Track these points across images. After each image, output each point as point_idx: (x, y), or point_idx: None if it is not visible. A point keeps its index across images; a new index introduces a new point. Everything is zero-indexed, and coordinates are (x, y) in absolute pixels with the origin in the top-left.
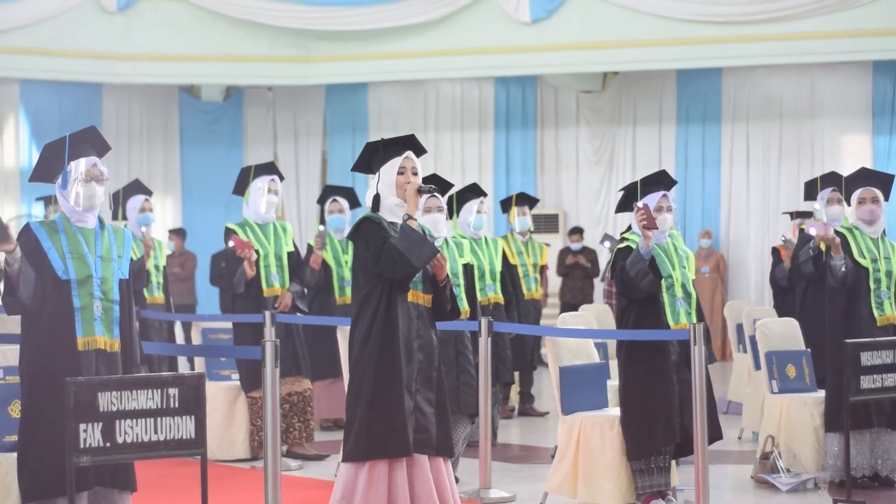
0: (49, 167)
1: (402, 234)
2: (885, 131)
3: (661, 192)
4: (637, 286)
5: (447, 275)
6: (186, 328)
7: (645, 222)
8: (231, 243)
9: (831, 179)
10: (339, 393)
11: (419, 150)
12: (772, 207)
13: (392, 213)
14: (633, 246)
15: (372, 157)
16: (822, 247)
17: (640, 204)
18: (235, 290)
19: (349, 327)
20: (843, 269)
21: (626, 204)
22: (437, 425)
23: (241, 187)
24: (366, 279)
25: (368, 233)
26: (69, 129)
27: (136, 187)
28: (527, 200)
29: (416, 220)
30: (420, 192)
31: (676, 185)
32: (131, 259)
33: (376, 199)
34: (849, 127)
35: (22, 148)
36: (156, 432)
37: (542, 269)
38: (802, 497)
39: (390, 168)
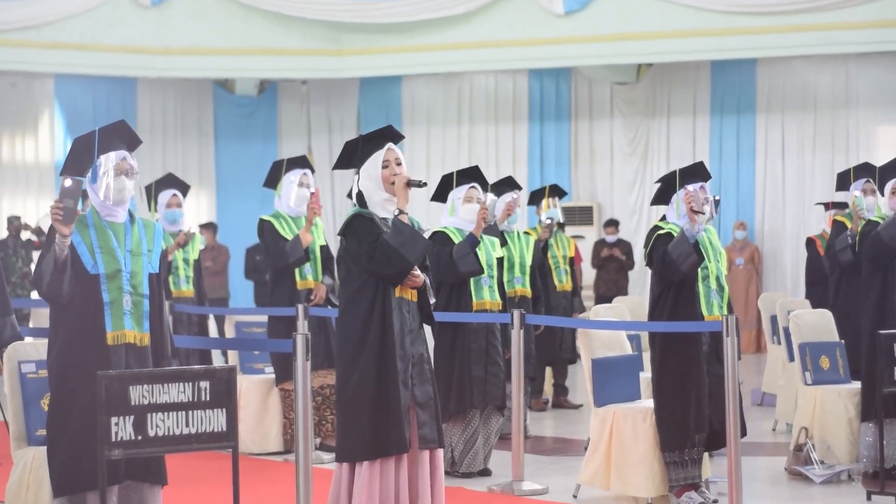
0: (79, 161)
1: (395, 229)
2: None
3: (700, 184)
4: (678, 268)
5: (424, 280)
6: (220, 322)
7: (694, 205)
8: (313, 189)
9: (865, 170)
10: None
11: (397, 139)
12: (807, 198)
13: (382, 208)
14: (673, 232)
15: (352, 155)
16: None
17: (690, 188)
18: (289, 259)
19: None
20: None
21: (663, 196)
22: (434, 418)
23: (272, 180)
24: (358, 273)
25: (360, 229)
26: (104, 123)
27: (169, 181)
28: (557, 192)
29: (406, 214)
30: (410, 185)
31: (711, 177)
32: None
33: (360, 195)
34: (884, 117)
35: (57, 143)
36: (187, 425)
37: (571, 261)
38: (836, 489)
39: (373, 163)
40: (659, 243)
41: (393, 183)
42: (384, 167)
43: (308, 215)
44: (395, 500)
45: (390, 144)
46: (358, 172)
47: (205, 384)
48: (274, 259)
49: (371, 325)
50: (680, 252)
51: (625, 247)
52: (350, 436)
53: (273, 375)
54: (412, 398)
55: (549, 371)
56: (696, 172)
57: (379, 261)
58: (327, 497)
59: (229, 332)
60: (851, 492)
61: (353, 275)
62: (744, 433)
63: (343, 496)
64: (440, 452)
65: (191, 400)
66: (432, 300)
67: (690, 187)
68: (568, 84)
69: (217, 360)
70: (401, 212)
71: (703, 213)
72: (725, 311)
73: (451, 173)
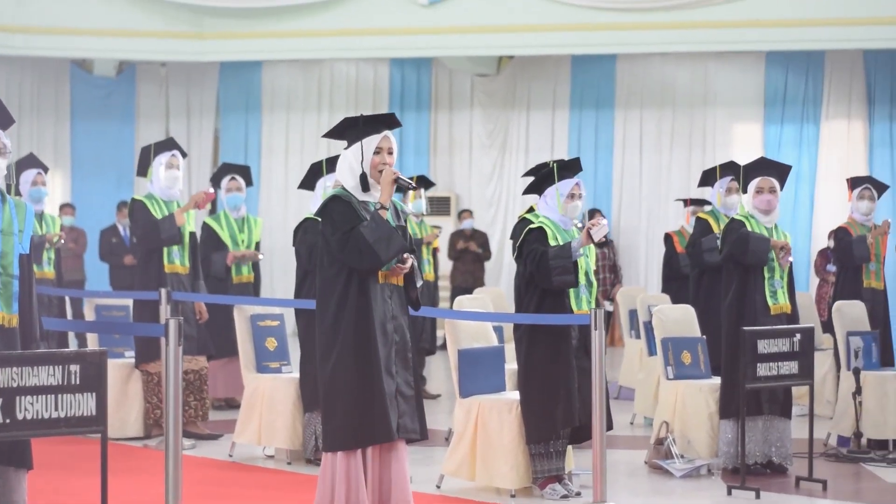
0: None
1: (374, 224)
2: (776, 121)
3: (575, 180)
4: (551, 280)
5: (412, 265)
6: (75, 305)
7: (593, 232)
8: (210, 190)
9: (730, 168)
10: (235, 372)
11: (395, 127)
12: (663, 194)
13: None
14: (546, 227)
15: (348, 131)
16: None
17: (603, 221)
18: (161, 235)
19: (238, 307)
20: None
21: (538, 187)
22: (416, 408)
23: (143, 168)
24: (331, 259)
25: (335, 213)
26: None
27: (31, 161)
28: (425, 183)
29: (388, 209)
30: (397, 182)
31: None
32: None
33: (364, 177)
34: (741, 116)
35: None
36: (56, 409)
37: (435, 252)
38: (696, 483)
39: (367, 146)
40: (531, 237)
41: (381, 171)
42: (376, 153)
43: (188, 203)
44: (376, 489)
45: (387, 132)
46: (347, 149)
47: (75, 367)
48: (145, 233)
49: (346, 310)
50: (559, 266)
51: (480, 238)
52: (330, 424)
53: (132, 360)
54: (396, 387)
55: None
56: (573, 167)
57: (350, 252)
58: (199, 484)
59: (89, 315)
60: (711, 486)
61: (325, 260)
62: (610, 426)
63: (328, 485)
64: (405, 445)
65: (60, 383)
66: (419, 282)
67: (603, 220)
68: (429, 74)
69: (72, 344)
70: (382, 206)
71: (593, 242)
72: (593, 305)
73: (321, 161)
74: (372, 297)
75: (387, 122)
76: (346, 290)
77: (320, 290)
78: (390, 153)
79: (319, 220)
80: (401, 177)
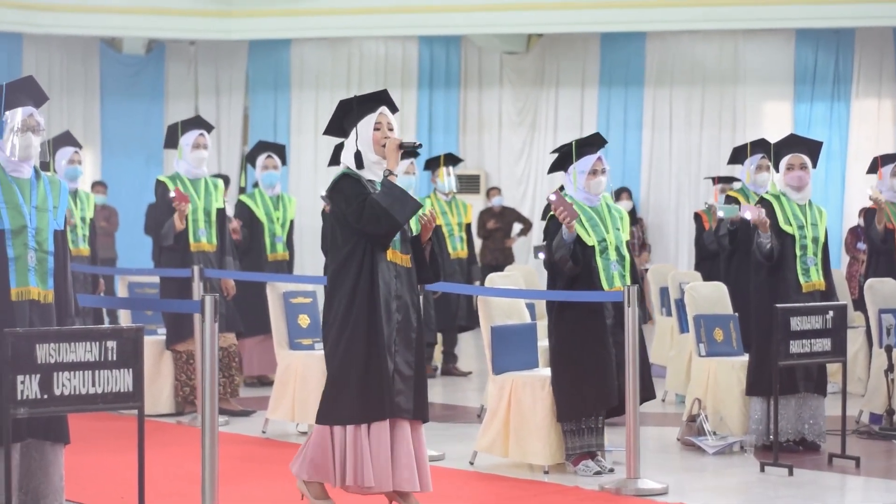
0: None
1: (385, 189)
2: (806, 99)
3: (597, 155)
4: (562, 271)
5: (429, 237)
6: (107, 282)
7: (565, 214)
8: (172, 193)
9: (761, 146)
10: (269, 350)
11: (392, 107)
12: (693, 172)
13: (370, 170)
14: (576, 202)
15: (345, 116)
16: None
17: (551, 197)
18: (163, 243)
19: (271, 284)
20: (770, 247)
21: (560, 165)
22: (414, 389)
23: (170, 143)
24: (346, 238)
25: (347, 189)
26: None
27: (67, 139)
28: (453, 160)
29: (396, 175)
30: (402, 147)
31: (606, 142)
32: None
33: (358, 155)
34: (771, 94)
35: None
36: (93, 385)
37: (468, 228)
38: (729, 460)
39: (366, 125)
40: (552, 227)
41: (384, 146)
42: (376, 129)
43: (177, 215)
44: (381, 463)
45: (383, 108)
46: (355, 132)
47: (112, 344)
48: (150, 228)
49: (359, 289)
50: (560, 256)
51: (511, 214)
52: (339, 400)
53: (165, 337)
54: (394, 366)
55: (439, 338)
56: (593, 142)
57: (368, 220)
58: (233, 460)
59: (122, 293)
60: (744, 463)
61: (339, 239)
62: (652, 396)
63: (327, 458)
64: (419, 425)
65: (97, 359)
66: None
67: (552, 195)
68: (458, 52)
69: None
70: (390, 173)
71: (577, 216)
72: (628, 280)
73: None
74: (379, 275)
75: (381, 99)
76: (359, 269)
77: (333, 268)
78: (390, 129)
79: None
80: (404, 141)
